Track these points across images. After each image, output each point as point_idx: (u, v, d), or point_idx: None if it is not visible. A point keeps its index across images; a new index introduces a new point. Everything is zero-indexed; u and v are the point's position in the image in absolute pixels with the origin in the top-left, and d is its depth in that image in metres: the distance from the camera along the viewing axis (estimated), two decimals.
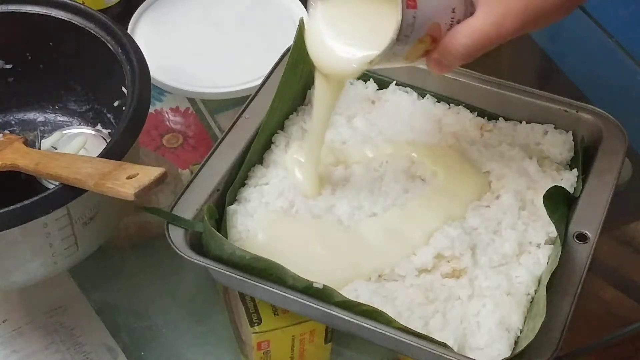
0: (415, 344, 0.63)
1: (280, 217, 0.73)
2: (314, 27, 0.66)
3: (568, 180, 0.75)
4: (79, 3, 0.77)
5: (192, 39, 0.98)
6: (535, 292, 0.68)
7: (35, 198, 0.63)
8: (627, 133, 0.76)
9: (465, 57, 0.61)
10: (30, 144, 0.77)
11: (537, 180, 0.75)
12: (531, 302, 0.68)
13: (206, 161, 0.74)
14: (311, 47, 0.66)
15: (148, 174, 0.61)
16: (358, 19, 0.64)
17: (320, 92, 0.69)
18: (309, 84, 0.82)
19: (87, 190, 0.63)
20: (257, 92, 0.79)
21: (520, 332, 0.66)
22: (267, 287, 0.65)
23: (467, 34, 0.61)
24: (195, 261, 0.67)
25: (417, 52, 0.62)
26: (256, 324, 0.68)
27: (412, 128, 0.79)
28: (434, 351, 0.62)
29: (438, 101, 0.82)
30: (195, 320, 0.78)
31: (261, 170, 0.76)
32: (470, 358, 0.63)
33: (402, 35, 0.59)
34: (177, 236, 0.68)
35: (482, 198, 0.74)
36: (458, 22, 0.62)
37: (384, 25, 0.60)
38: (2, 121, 0.83)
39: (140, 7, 1.00)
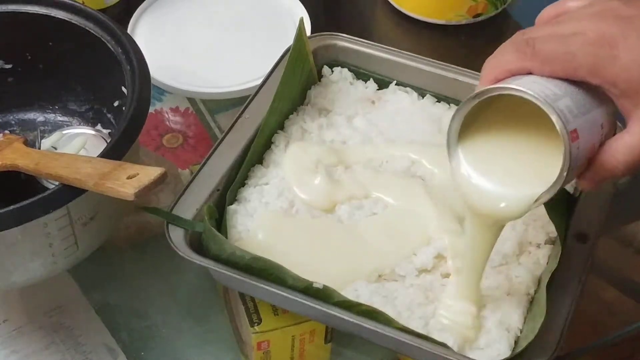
0: (415, 344, 0.63)
1: (280, 217, 0.73)
2: (463, 174, 0.61)
3: None
4: (79, 3, 0.77)
5: (192, 39, 0.98)
6: (535, 292, 0.68)
7: (35, 198, 0.63)
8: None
9: (623, 173, 0.60)
10: (30, 144, 0.77)
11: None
12: (531, 302, 0.68)
13: (206, 161, 0.74)
14: (466, 194, 0.62)
15: (148, 174, 0.61)
16: (511, 161, 0.61)
17: (477, 235, 0.64)
18: (309, 84, 0.82)
19: (87, 190, 0.63)
20: (257, 92, 0.79)
21: (520, 332, 0.66)
22: (267, 287, 0.65)
23: (625, 152, 0.59)
24: (195, 261, 0.67)
25: (573, 178, 0.61)
26: (256, 324, 0.68)
27: (412, 128, 0.79)
28: (434, 351, 0.62)
29: (438, 101, 0.82)
30: (195, 320, 0.78)
31: (261, 170, 0.76)
32: (470, 358, 0.63)
33: (570, 169, 0.57)
34: (177, 236, 0.68)
35: None
36: (606, 136, 0.60)
37: (545, 161, 0.58)
38: (2, 121, 0.83)
39: (140, 7, 1.00)
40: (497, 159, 0.61)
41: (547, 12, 0.63)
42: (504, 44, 0.61)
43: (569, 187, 0.74)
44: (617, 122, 0.61)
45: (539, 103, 0.56)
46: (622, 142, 0.59)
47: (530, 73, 0.59)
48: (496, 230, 0.64)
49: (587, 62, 0.57)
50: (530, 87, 0.57)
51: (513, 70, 0.60)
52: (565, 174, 0.57)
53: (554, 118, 0.56)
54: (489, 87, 0.58)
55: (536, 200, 0.59)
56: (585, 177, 0.61)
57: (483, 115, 0.61)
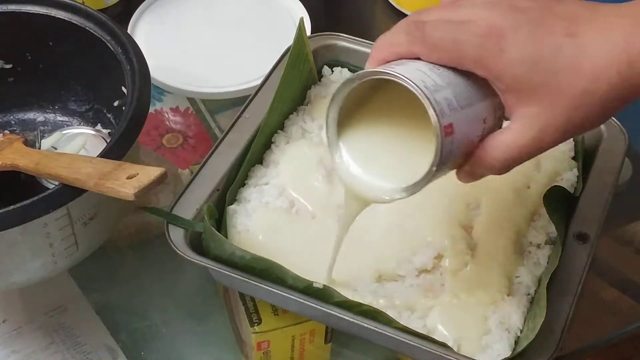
0: (415, 344, 0.63)
1: (280, 217, 0.73)
2: (345, 164, 0.62)
3: (568, 180, 0.75)
4: (79, 3, 0.77)
5: (192, 39, 0.98)
6: (535, 292, 0.68)
7: (35, 198, 0.63)
8: (627, 133, 0.76)
9: (501, 170, 0.58)
10: (30, 144, 0.77)
11: (537, 180, 0.75)
12: (531, 302, 0.68)
13: (206, 161, 0.74)
14: (344, 180, 0.62)
15: (148, 174, 0.61)
16: (388, 152, 0.61)
17: (347, 205, 0.65)
18: (309, 84, 0.82)
19: (87, 190, 0.63)
20: (257, 92, 0.79)
21: (520, 332, 0.66)
22: (267, 287, 0.65)
23: (503, 150, 0.57)
24: (195, 261, 0.67)
25: (449, 170, 0.59)
26: (256, 324, 0.68)
27: None
28: (434, 351, 0.62)
29: None
30: (195, 320, 0.78)
31: (261, 170, 0.76)
32: (470, 358, 0.63)
33: (441, 164, 0.56)
34: (177, 236, 0.68)
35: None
36: (489, 130, 0.58)
37: (421, 152, 0.57)
38: (2, 121, 0.83)
39: (140, 7, 1.00)
40: (376, 149, 0.61)
41: None
42: (400, 22, 0.59)
43: (570, 188, 0.74)
44: (504, 115, 0.59)
45: (415, 92, 0.54)
46: (502, 138, 0.57)
47: (418, 58, 0.57)
48: (363, 206, 0.64)
49: (473, 53, 0.55)
50: (410, 75, 0.55)
51: (401, 53, 0.58)
52: (434, 168, 0.55)
53: (429, 110, 0.54)
54: (366, 71, 0.57)
55: (406, 191, 0.58)
56: (464, 171, 0.59)
57: (370, 100, 0.60)
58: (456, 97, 0.56)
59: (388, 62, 0.58)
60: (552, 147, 0.57)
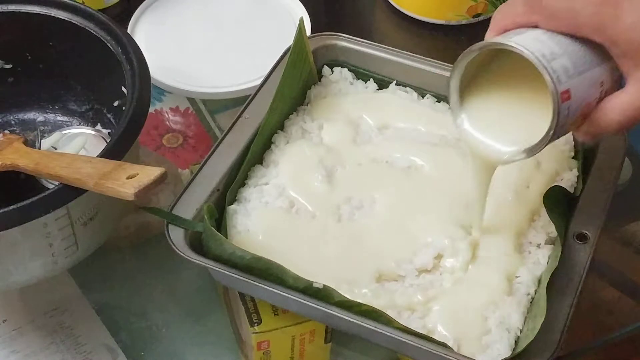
0: (416, 344, 0.63)
1: (280, 217, 0.72)
2: (468, 129, 0.66)
3: (568, 180, 0.75)
4: (79, 3, 0.77)
5: (192, 39, 0.98)
6: (535, 292, 0.68)
7: (35, 198, 0.63)
8: (627, 133, 0.76)
9: (618, 131, 0.61)
10: (30, 144, 0.77)
11: (537, 180, 0.75)
12: (531, 302, 0.68)
13: (206, 161, 0.74)
14: (468, 143, 0.66)
15: (148, 174, 0.61)
16: (508, 116, 0.65)
17: (477, 173, 0.69)
18: (309, 84, 0.82)
19: (87, 190, 0.63)
20: (257, 92, 0.79)
21: (520, 332, 0.66)
22: (267, 287, 0.65)
23: (620, 112, 0.60)
24: (195, 261, 0.67)
25: (568, 131, 0.63)
26: (256, 324, 0.68)
27: (412, 127, 0.79)
28: (434, 351, 0.62)
29: (438, 101, 0.82)
30: (195, 320, 0.78)
31: (261, 170, 0.76)
32: (470, 358, 0.63)
33: (559, 127, 0.59)
34: (177, 236, 0.68)
35: None
36: (607, 92, 0.61)
37: (539, 117, 0.60)
38: (2, 121, 0.83)
39: (140, 7, 1.00)
40: (496, 114, 0.65)
41: None
42: None
43: (570, 188, 0.74)
44: (621, 77, 0.62)
45: (532, 61, 0.58)
46: (618, 101, 0.60)
47: (537, 26, 0.60)
48: (492, 169, 0.68)
49: (590, 20, 0.58)
50: (528, 44, 0.58)
51: (520, 22, 0.61)
52: (551, 132, 0.59)
53: (546, 78, 0.57)
54: (485, 42, 0.61)
55: (525, 153, 0.62)
56: (582, 131, 0.62)
57: (490, 69, 0.64)
58: (573, 63, 0.59)
59: (507, 31, 0.62)
60: None
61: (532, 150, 0.61)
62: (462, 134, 0.66)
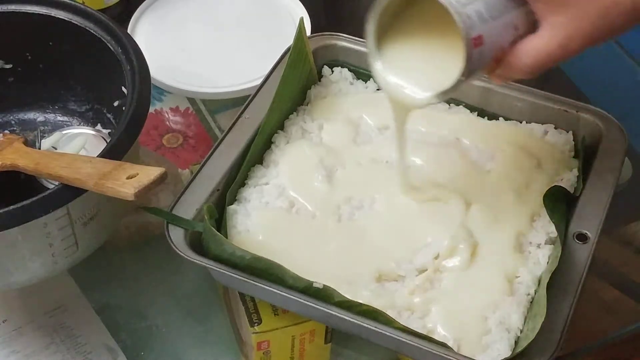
0: (416, 344, 0.63)
1: (280, 217, 0.73)
2: (383, 73, 0.67)
3: (568, 180, 0.75)
4: (79, 3, 0.77)
5: (192, 39, 0.98)
6: (535, 292, 0.68)
7: (35, 198, 0.63)
8: (627, 133, 0.76)
9: (528, 75, 0.62)
10: (30, 144, 0.77)
11: (538, 180, 0.75)
12: (531, 302, 0.68)
13: (206, 161, 0.74)
14: (383, 87, 0.68)
15: (148, 174, 0.61)
16: (422, 61, 0.65)
17: (393, 111, 0.71)
18: (309, 84, 0.82)
19: (87, 190, 0.63)
20: (257, 92, 0.79)
21: (520, 332, 0.66)
22: (267, 287, 0.65)
23: (532, 55, 0.61)
24: (195, 261, 0.67)
25: (481, 74, 0.64)
26: (256, 324, 0.68)
27: (412, 128, 0.79)
28: (434, 351, 0.62)
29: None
30: (195, 320, 0.78)
31: (261, 170, 0.76)
32: (470, 358, 0.63)
33: (470, 72, 0.60)
34: (177, 236, 0.68)
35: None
36: (520, 37, 0.62)
37: (452, 61, 0.61)
38: (2, 121, 0.83)
39: (140, 7, 1.00)
40: (411, 58, 0.66)
41: None
42: None
43: (570, 188, 0.74)
44: (537, 21, 0.62)
45: (446, 6, 0.58)
46: (531, 44, 0.61)
47: None
48: (408, 111, 0.70)
49: None
50: None
51: None
52: (463, 77, 0.60)
53: (458, 24, 0.58)
54: None
55: (438, 97, 0.63)
56: (496, 74, 0.64)
57: (406, 14, 0.65)
58: (487, 8, 0.60)
59: None
60: (578, 53, 0.61)
61: (444, 94, 0.62)
62: (378, 78, 0.67)
